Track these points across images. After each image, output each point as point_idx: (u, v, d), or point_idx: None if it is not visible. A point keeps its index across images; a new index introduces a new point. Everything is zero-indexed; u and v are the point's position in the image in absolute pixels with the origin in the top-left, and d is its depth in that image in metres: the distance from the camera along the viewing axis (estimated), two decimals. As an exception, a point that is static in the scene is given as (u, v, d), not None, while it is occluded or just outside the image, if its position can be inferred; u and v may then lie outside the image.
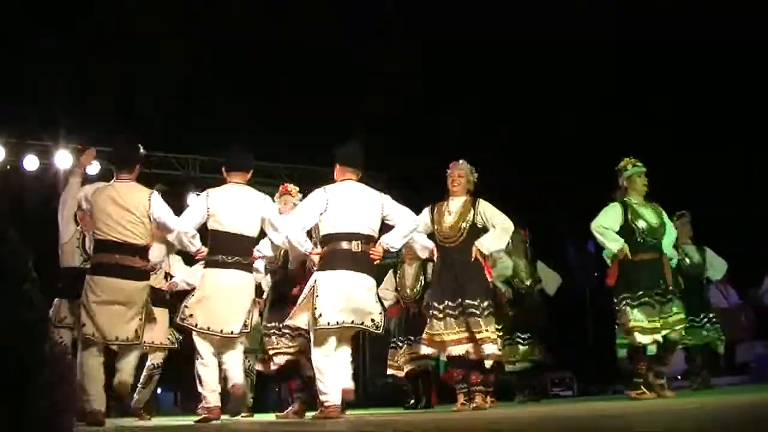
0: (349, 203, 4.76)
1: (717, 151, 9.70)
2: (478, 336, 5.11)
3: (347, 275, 4.61)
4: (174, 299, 6.14)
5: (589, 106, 9.98)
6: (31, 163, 9.68)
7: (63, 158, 9.67)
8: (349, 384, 5.08)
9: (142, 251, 4.84)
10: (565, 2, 8.98)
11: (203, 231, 5.02)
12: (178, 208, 5.24)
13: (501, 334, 5.77)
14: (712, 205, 8.30)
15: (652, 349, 5.37)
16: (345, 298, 4.58)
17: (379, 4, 9.12)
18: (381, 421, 4.53)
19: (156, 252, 4.98)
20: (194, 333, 4.87)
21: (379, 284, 5.62)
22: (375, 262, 4.81)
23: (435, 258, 5.41)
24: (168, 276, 6.44)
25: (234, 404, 6.00)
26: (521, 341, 7.11)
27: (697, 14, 8.61)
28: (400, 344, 6.98)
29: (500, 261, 6.64)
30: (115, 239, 4.73)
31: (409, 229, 4.96)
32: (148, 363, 6.57)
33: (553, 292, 7.57)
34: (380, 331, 4.86)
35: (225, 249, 4.88)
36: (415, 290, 7.00)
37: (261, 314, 5.77)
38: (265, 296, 5.83)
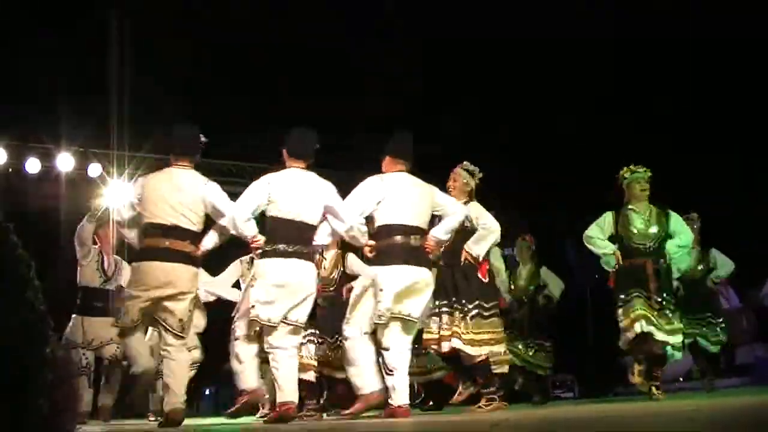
0: (406, 194, 4.73)
1: (717, 151, 9.69)
2: (454, 330, 5.10)
3: (409, 270, 4.59)
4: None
5: (589, 106, 9.96)
6: (33, 165, 9.66)
7: (65, 161, 9.65)
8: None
9: (194, 237, 4.73)
10: (565, 2, 8.97)
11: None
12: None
13: (505, 337, 5.80)
14: (712, 205, 8.29)
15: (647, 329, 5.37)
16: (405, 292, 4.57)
17: (379, 4, 9.11)
18: (386, 422, 4.52)
19: (209, 239, 4.85)
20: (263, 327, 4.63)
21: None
22: (429, 256, 4.79)
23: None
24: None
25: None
26: (535, 346, 7.32)
27: (697, 14, 8.60)
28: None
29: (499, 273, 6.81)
30: (165, 223, 4.64)
31: (458, 221, 4.94)
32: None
33: (557, 297, 7.69)
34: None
35: (286, 237, 4.63)
36: None
37: None
38: None
